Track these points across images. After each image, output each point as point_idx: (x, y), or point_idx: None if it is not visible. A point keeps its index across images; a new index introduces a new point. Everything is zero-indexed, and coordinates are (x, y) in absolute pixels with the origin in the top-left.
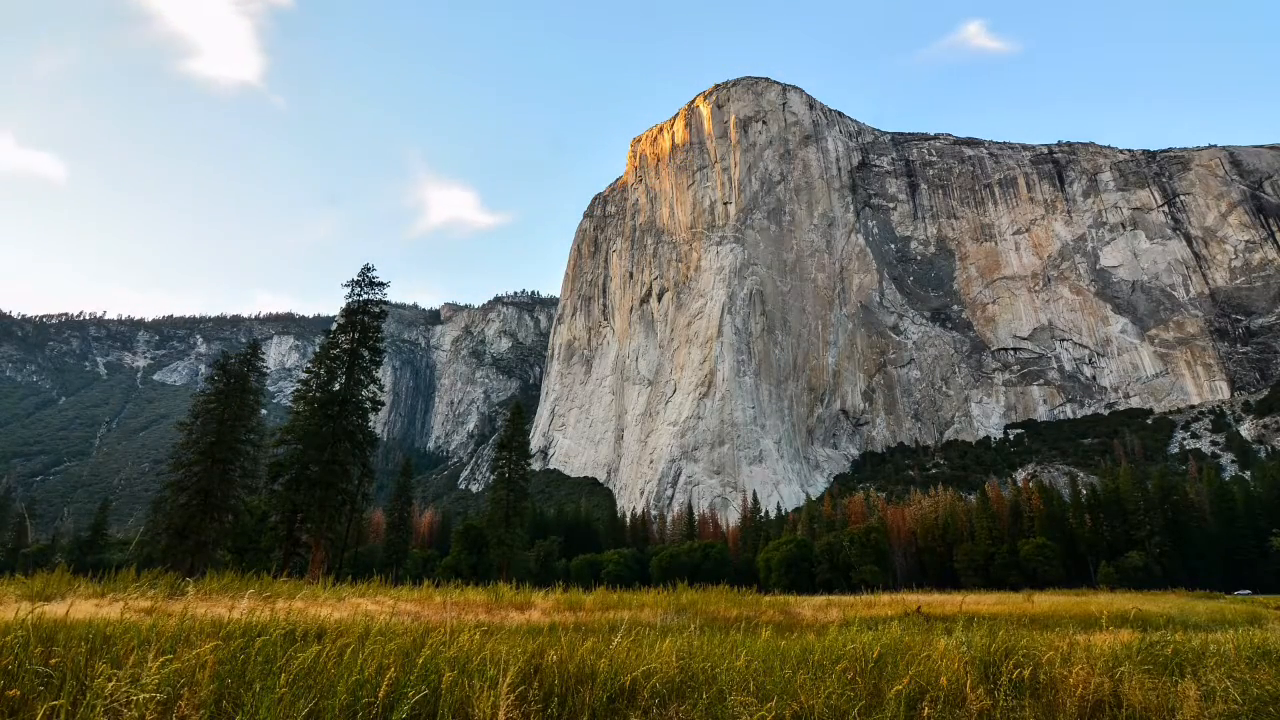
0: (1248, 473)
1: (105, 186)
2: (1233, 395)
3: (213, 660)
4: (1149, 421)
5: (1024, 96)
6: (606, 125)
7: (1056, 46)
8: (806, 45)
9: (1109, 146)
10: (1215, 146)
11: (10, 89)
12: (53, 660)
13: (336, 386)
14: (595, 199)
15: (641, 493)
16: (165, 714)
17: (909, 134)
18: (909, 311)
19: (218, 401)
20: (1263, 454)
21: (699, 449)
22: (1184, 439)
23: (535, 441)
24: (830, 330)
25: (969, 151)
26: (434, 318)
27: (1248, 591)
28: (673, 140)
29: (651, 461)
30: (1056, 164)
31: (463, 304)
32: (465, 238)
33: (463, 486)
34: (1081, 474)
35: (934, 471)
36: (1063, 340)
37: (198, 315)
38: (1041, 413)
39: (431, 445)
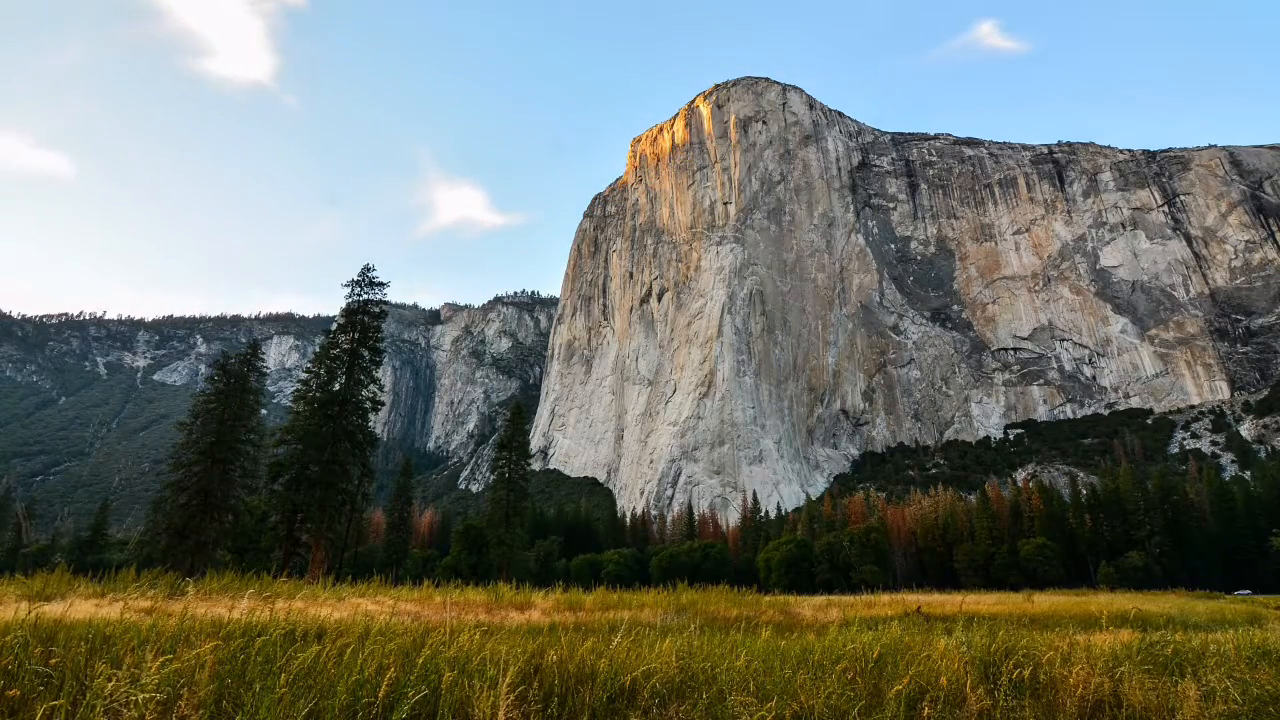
0: (1248, 473)
1: (113, 185)
2: (1233, 395)
3: (212, 660)
4: (1149, 421)
5: (1024, 96)
6: (606, 125)
7: (1067, 46)
8: (807, 45)
9: (1109, 146)
10: (1215, 146)
11: (22, 86)
12: (52, 660)
13: (336, 386)
14: (595, 199)
15: (641, 493)
16: (165, 714)
17: (909, 134)
18: (909, 311)
19: (218, 401)
20: (1263, 454)
21: (699, 449)
22: (1184, 439)
23: (535, 441)
24: (830, 330)
25: (969, 151)
26: (434, 318)
27: (1248, 591)
28: (673, 140)
29: (651, 461)
30: (1056, 164)
31: (463, 304)
32: (474, 238)
33: (463, 486)
34: (1081, 474)
35: (934, 471)
36: (1063, 340)
37: (198, 315)
38: (1041, 413)
39: (431, 445)
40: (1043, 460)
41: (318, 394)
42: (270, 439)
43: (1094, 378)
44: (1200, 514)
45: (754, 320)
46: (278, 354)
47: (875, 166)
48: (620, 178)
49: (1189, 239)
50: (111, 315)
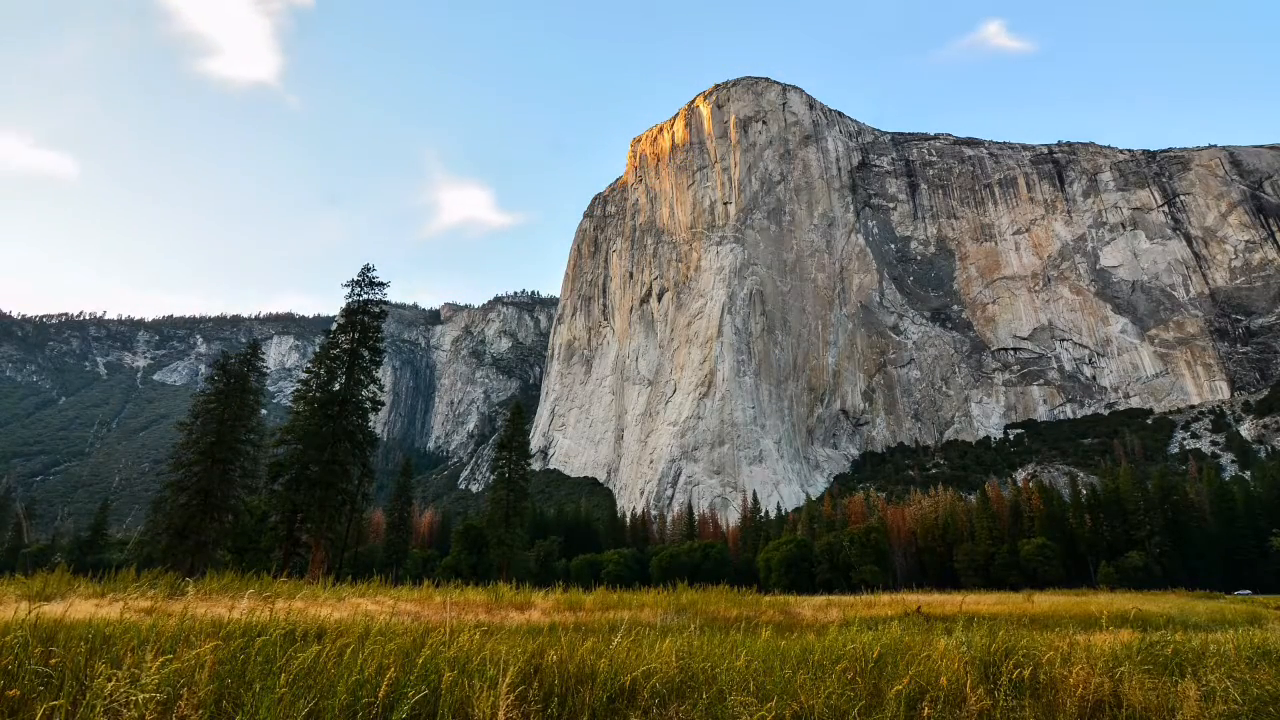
0: (1248, 473)
1: (115, 185)
2: (1233, 395)
3: (212, 660)
4: (1149, 421)
5: (1024, 96)
6: (606, 125)
7: (1072, 46)
8: (806, 45)
9: (1109, 146)
10: (1215, 146)
11: (26, 86)
12: (52, 660)
13: (336, 386)
14: (595, 199)
15: (641, 493)
16: (165, 714)
17: (909, 134)
18: (909, 311)
19: (218, 401)
20: (1263, 454)
21: (699, 449)
22: (1184, 439)
23: (535, 441)
24: (830, 330)
25: (969, 151)
26: (434, 318)
27: (1248, 591)
28: (673, 140)
29: (651, 461)
30: (1056, 164)
31: (463, 304)
32: (479, 238)
33: (463, 486)
34: (1081, 474)
35: (934, 471)
36: (1063, 340)
37: (198, 315)
38: (1041, 413)
39: (431, 445)
40: (1043, 460)
41: (318, 394)
42: (270, 439)
43: (1094, 378)
44: (1200, 514)
45: (754, 320)
46: (278, 354)
47: (875, 166)
48: (620, 178)
49: (1189, 239)
50: (111, 315)
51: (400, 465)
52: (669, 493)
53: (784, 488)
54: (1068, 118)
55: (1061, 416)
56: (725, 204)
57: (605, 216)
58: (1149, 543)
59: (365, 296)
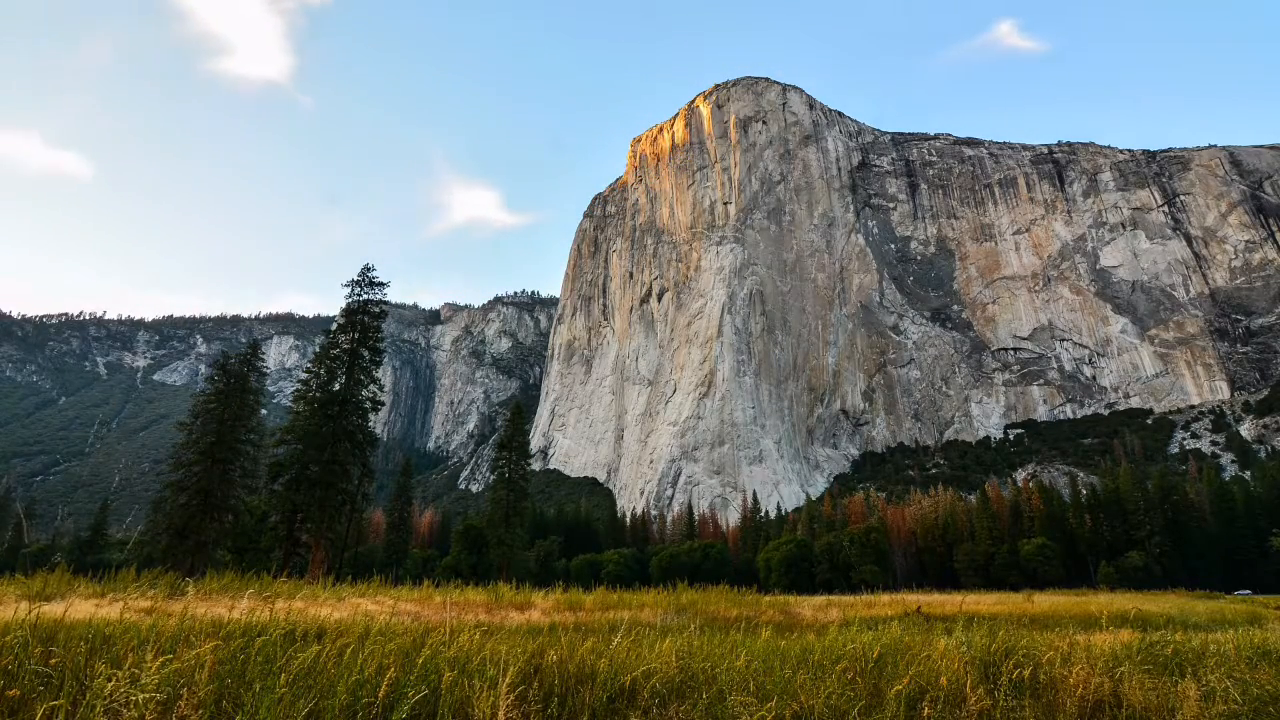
0: (1248, 473)
1: (123, 186)
2: (1233, 395)
3: (212, 660)
4: (1149, 421)
5: (1024, 96)
6: (606, 125)
7: (1078, 46)
8: (806, 45)
9: (1109, 146)
10: (1215, 146)
11: (42, 86)
12: (52, 660)
13: (336, 386)
14: (595, 199)
15: (641, 493)
16: (165, 714)
17: (909, 134)
18: (909, 311)
19: (218, 401)
20: (1263, 454)
21: (699, 449)
22: (1184, 439)
23: (535, 441)
24: (830, 330)
25: (969, 151)
26: (434, 318)
27: (1248, 591)
28: (673, 140)
29: (651, 461)
30: (1056, 164)
31: (463, 304)
32: (486, 238)
33: (463, 486)
34: (1081, 474)
35: (934, 471)
36: (1063, 340)
37: (198, 315)
38: (1041, 413)
39: (431, 445)
40: (1043, 460)
41: (318, 394)
42: (270, 439)
43: (1094, 378)
44: (1200, 514)
45: (754, 320)
46: (278, 354)
47: (875, 166)
48: (620, 178)
49: (1189, 239)
50: (111, 315)
51: (400, 465)
52: (669, 493)
53: (784, 488)
54: (1068, 118)
55: (1061, 416)
56: (725, 204)
57: (605, 216)
58: (1149, 543)
59: (365, 296)
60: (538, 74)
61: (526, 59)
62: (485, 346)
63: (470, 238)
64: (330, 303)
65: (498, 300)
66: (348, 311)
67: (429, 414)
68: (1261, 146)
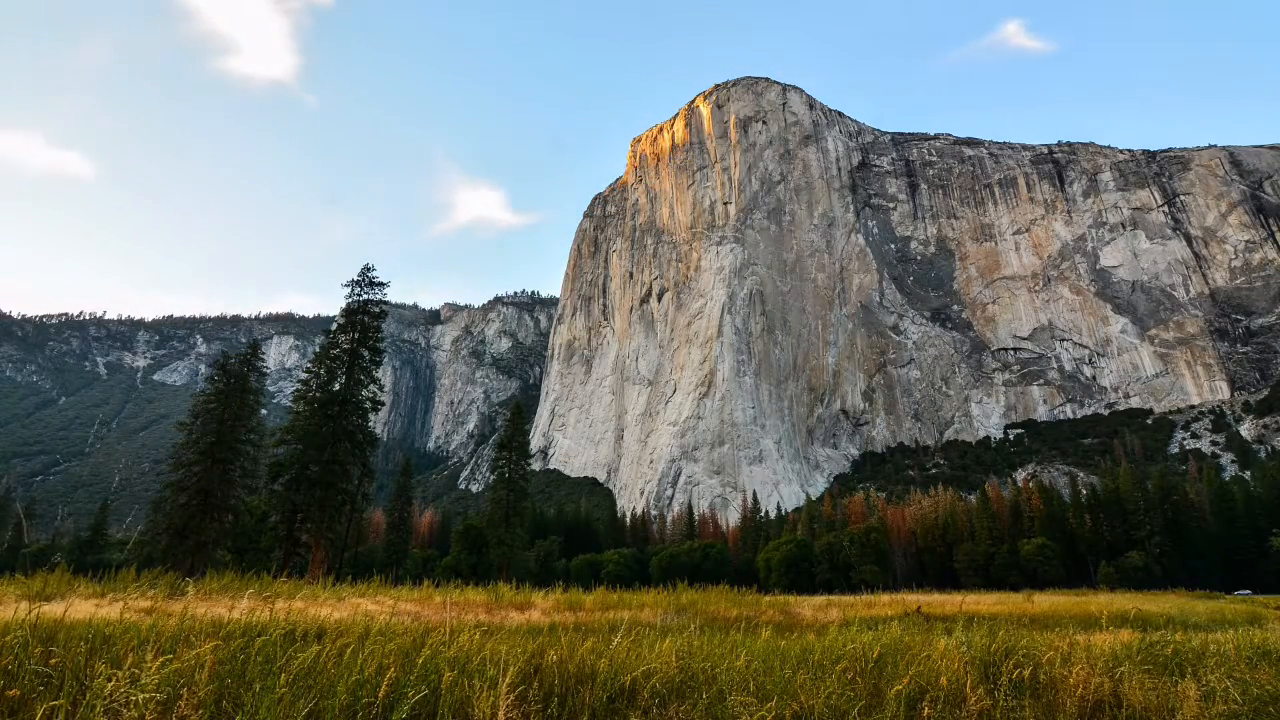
0: (1248, 473)
1: (125, 186)
2: (1233, 395)
3: (212, 660)
4: (1149, 421)
5: (1024, 96)
6: (606, 125)
7: (1089, 45)
8: (807, 45)
9: (1109, 146)
10: (1215, 146)
11: (47, 86)
12: (52, 660)
13: (336, 386)
14: (595, 199)
15: (641, 493)
16: (165, 714)
17: (909, 134)
18: (909, 311)
19: (218, 401)
20: (1263, 454)
21: (699, 449)
22: (1184, 439)
23: (535, 441)
24: (830, 330)
25: (969, 151)
26: (434, 318)
27: (1248, 591)
28: (673, 140)
29: (651, 461)
30: (1056, 164)
31: (463, 304)
32: (490, 238)
33: (463, 486)
34: (1081, 474)
35: (934, 471)
36: (1063, 340)
37: (198, 315)
38: (1041, 413)
39: (431, 445)
40: (1043, 460)
41: (318, 394)
42: (270, 439)
43: (1094, 378)
44: (1200, 514)
45: (754, 320)
46: (278, 354)
47: (875, 166)
48: (620, 178)
49: (1189, 239)
50: (111, 315)
51: (400, 465)
52: (669, 493)
53: (784, 488)
54: (1068, 118)
55: (1061, 416)
56: (725, 204)
57: (605, 216)
58: (1149, 543)
59: (365, 296)
60: (538, 74)
61: (527, 59)
62: (485, 346)
63: (474, 238)
64: (330, 303)
65: (498, 300)
66: (348, 311)
67: (429, 414)
68: (1261, 146)
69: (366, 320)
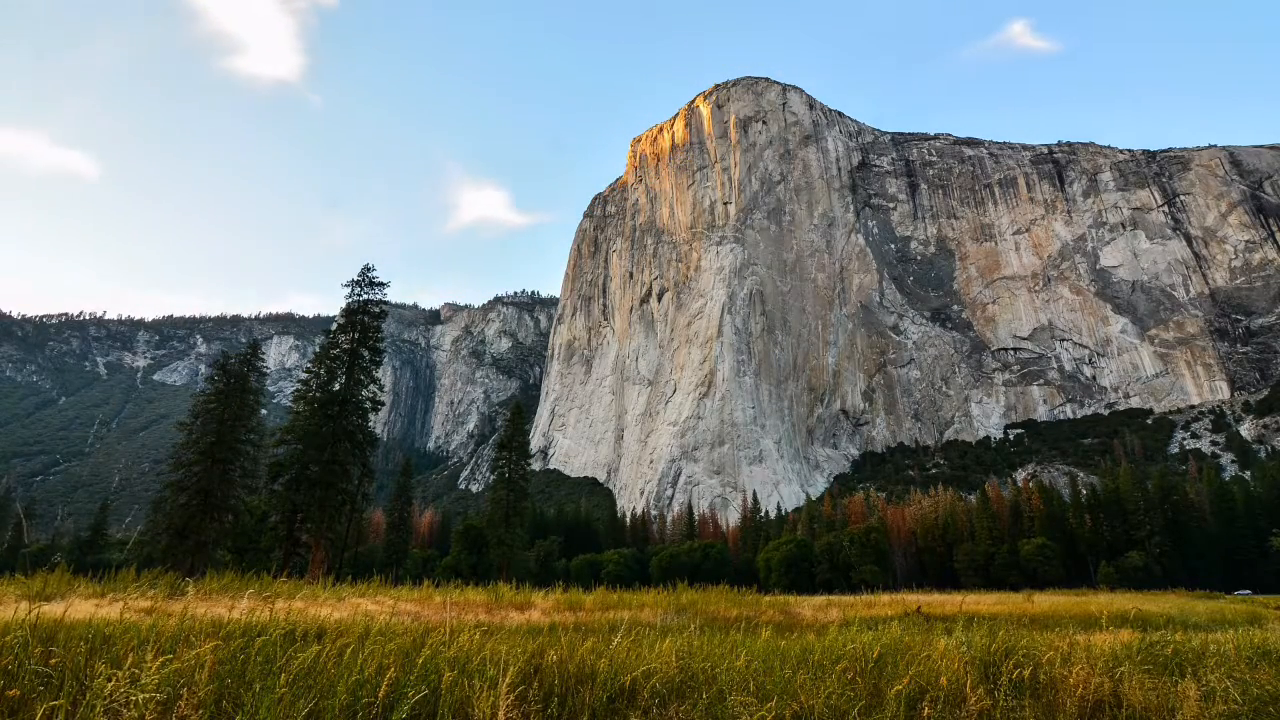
0: (1248, 473)
1: (131, 186)
2: (1233, 395)
3: (212, 660)
4: (1149, 421)
5: (1024, 96)
6: (606, 125)
7: (1094, 45)
8: (807, 45)
9: (1109, 146)
10: (1215, 146)
11: (53, 86)
12: (52, 660)
13: (336, 386)
14: (595, 199)
15: (641, 493)
16: (165, 714)
17: (909, 134)
18: (909, 311)
19: (218, 401)
20: (1263, 454)
21: (699, 449)
22: (1184, 439)
23: (535, 441)
24: (830, 330)
25: (969, 151)
26: (434, 318)
27: (1248, 591)
28: (673, 140)
29: (651, 461)
30: (1056, 164)
31: (463, 304)
32: (492, 239)
33: (463, 486)
34: (1081, 474)
35: (934, 471)
36: (1063, 340)
37: (198, 315)
38: (1041, 413)
39: (431, 445)
40: (1043, 460)
41: (318, 394)
42: (270, 439)
43: (1094, 378)
44: (1200, 514)
45: (754, 320)
46: (278, 354)
47: (875, 166)
48: (620, 178)
49: (1189, 239)
50: (111, 315)
51: (400, 465)
52: (669, 493)
53: (784, 488)
54: (1068, 118)
55: (1061, 416)
56: (725, 204)
57: (605, 216)
58: (1149, 543)
59: (365, 296)
60: (539, 74)
61: (527, 59)
62: (485, 346)
63: (478, 238)
64: (330, 303)
65: (498, 300)
66: (348, 311)
67: (429, 414)
68: (1261, 146)
69: (366, 320)
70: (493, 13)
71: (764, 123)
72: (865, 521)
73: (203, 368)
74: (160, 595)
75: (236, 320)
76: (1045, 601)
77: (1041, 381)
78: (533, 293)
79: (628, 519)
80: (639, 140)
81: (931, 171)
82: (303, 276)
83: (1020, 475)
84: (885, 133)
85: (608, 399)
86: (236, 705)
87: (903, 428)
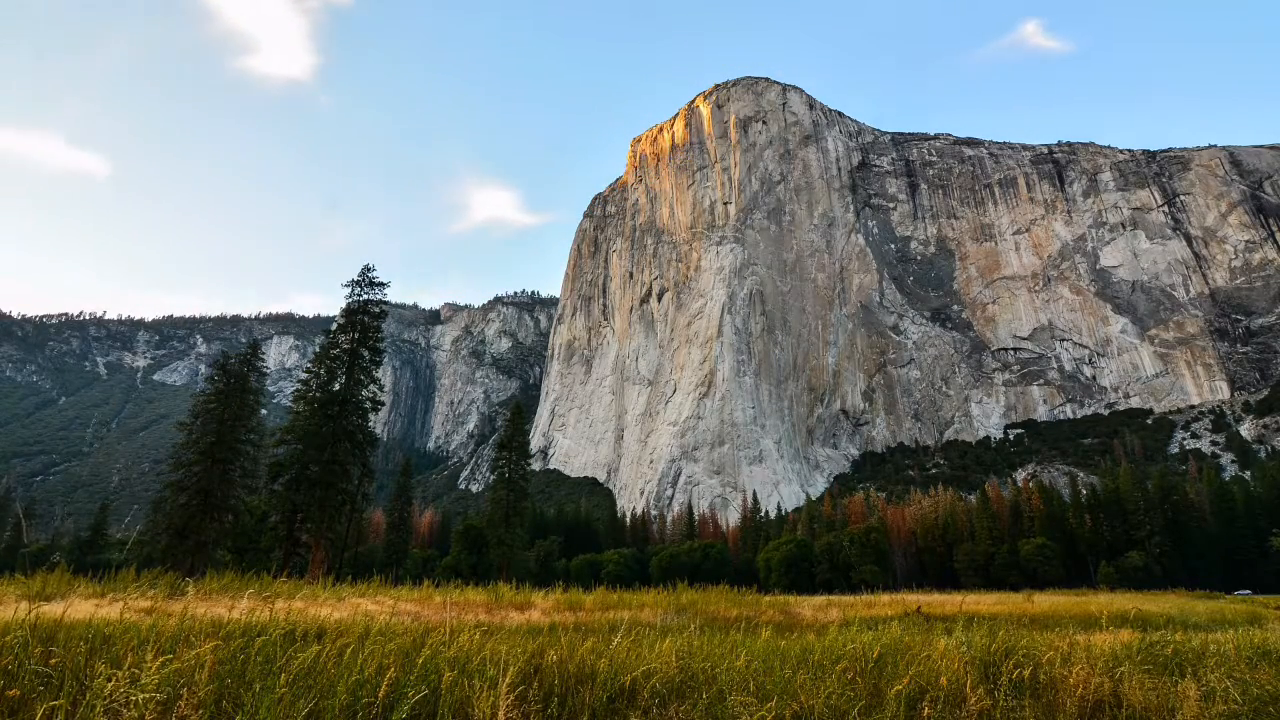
0: (1248, 473)
1: (139, 186)
2: (1233, 395)
3: (212, 660)
4: (1149, 421)
5: (1024, 97)
6: (606, 125)
7: (1099, 45)
8: (807, 46)
9: (1109, 146)
10: (1215, 146)
11: (64, 86)
12: (52, 660)
13: (336, 386)
14: (595, 199)
15: (641, 493)
16: (165, 714)
17: (909, 134)
18: (909, 311)
19: (218, 401)
20: (1263, 454)
21: (699, 449)
22: (1184, 439)
23: (535, 441)
24: (830, 330)
25: (969, 151)
26: (434, 318)
27: (1248, 591)
28: (673, 140)
29: (651, 461)
30: (1056, 164)
31: (463, 304)
32: (503, 238)
33: (463, 486)
34: (1081, 474)
35: (934, 471)
36: (1063, 340)
37: (198, 315)
38: (1041, 413)
39: (431, 445)
40: (1043, 460)
41: (318, 394)
42: (270, 439)
43: (1094, 378)
44: (1200, 514)
45: (754, 320)
46: (278, 354)
47: (875, 166)
48: (620, 178)
49: (1189, 239)
50: (111, 315)
51: (400, 465)
52: (669, 493)
53: (784, 488)
54: (1068, 118)
55: (1061, 416)
56: (725, 204)
57: (605, 216)
58: (1149, 543)
59: (365, 296)
60: (539, 75)
61: (527, 60)
62: (485, 346)
63: (489, 238)
64: (331, 303)
65: (498, 300)
66: (348, 311)
67: (429, 414)
68: (1261, 146)
69: (366, 320)
70: (492, 13)
71: (764, 123)
72: (865, 521)
73: (203, 368)
74: (160, 595)
75: (236, 320)
76: (1045, 601)
77: (1041, 381)
78: (533, 293)
79: (628, 519)
80: (639, 140)
81: (931, 171)
82: (303, 276)
83: (1020, 475)
84: (885, 133)
85: (608, 399)
86: (236, 705)
87: (903, 428)
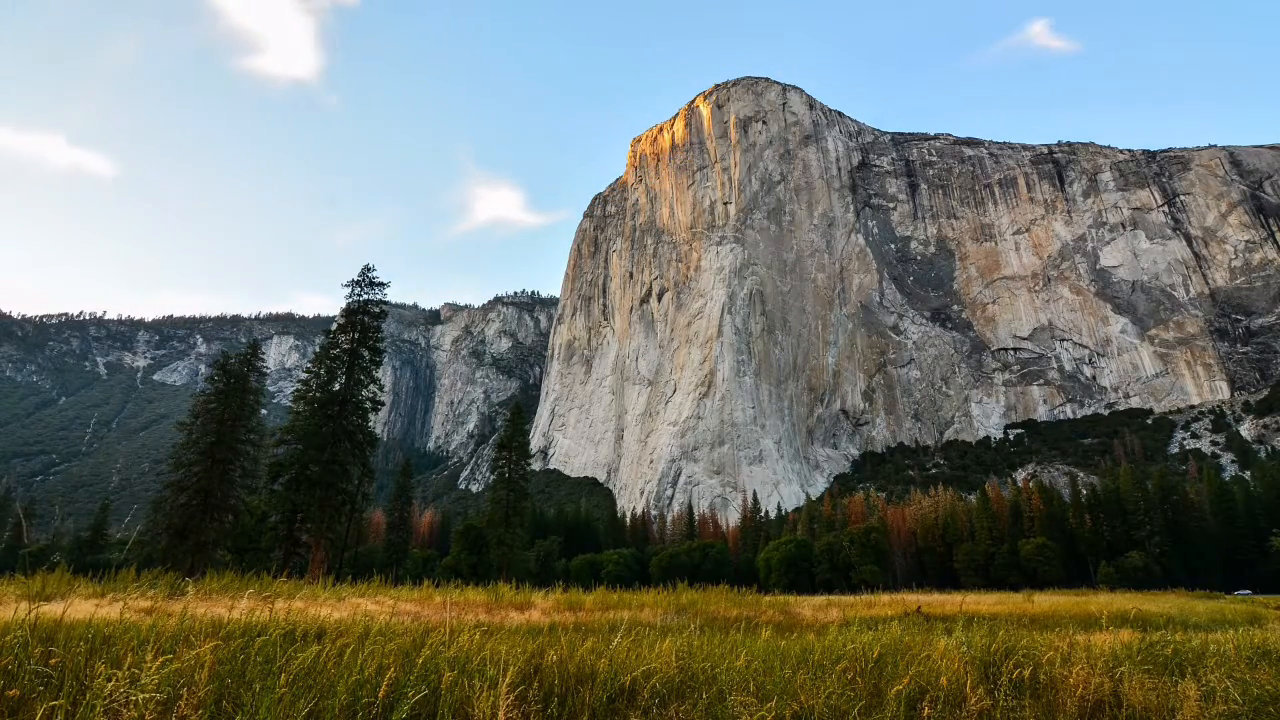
0: (1248, 473)
1: (143, 186)
2: (1233, 395)
3: (212, 660)
4: (1149, 421)
5: (1024, 97)
6: (606, 125)
7: (1103, 46)
8: (807, 46)
9: (1109, 146)
10: (1215, 146)
11: (71, 85)
12: (52, 660)
13: (336, 386)
14: (595, 199)
15: (641, 493)
16: (165, 714)
17: (909, 134)
18: (909, 311)
19: (218, 401)
20: (1263, 454)
21: (699, 449)
22: (1184, 439)
23: (535, 441)
24: (830, 330)
25: (969, 151)
26: (434, 318)
27: (1248, 591)
28: (673, 140)
29: (651, 461)
30: (1056, 164)
31: (463, 304)
32: (508, 237)
33: (463, 486)
34: (1081, 474)
35: (934, 471)
36: (1063, 340)
37: (198, 315)
38: (1041, 413)
39: (431, 445)
40: (1043, 460)
41: (318, 394)
42: (270, 439)
43: (1094, 378)
44: (1200, 514)
45: (754, 320)
46: (278, 354)
47: (875, 166)
48: (620, 177)
49: (1189, 239)
50: (111, 315)
51: (400, 465)
52: (669, 493)
53: (784, 488)
54: (1068, 118)
55: (1061, 416)
56: (725, 204)
57: (605, 216)
58: (1149, 543)
59: (365, 296)
60: (539, 75)
61: (528, 60)
62: (485, 346)
63: (493, 237)
64: (331, 303)
65: (498, 300)
66: (348, 311)
67: (429, 414)
68: (1261, 146)
69: (366, 320)
70: (495, 14)
71: (764, 123)
72: (865, 521)
73: (203, 368)
74: (160, 595)
75: (236, 320)
76: (1045, 601)
77: (1041, 381)
78: (533, 293)
79: (628, 519)
80: (639, 140)
81: (931, 171)
82: (304, 276)
83: (1020, 475)
84: (885, 133)
85: (608, 399)
86: (236, 705)
87: (903, 428)
